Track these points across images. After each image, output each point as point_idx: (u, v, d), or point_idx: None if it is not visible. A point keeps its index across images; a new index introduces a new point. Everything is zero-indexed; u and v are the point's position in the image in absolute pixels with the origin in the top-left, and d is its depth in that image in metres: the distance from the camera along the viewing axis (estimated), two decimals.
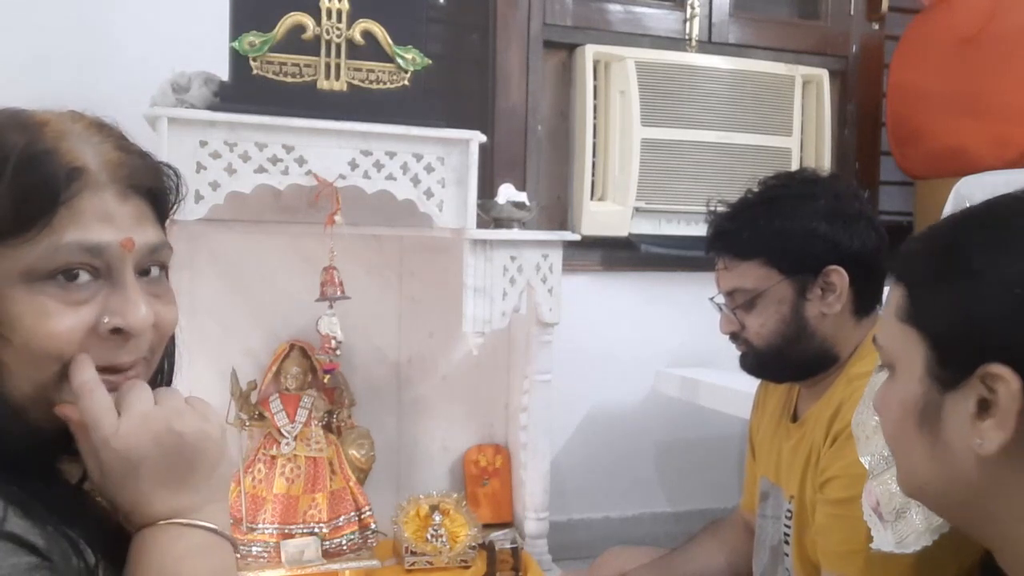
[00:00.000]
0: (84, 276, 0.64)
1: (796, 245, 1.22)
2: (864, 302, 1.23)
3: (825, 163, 2.41)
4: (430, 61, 1.68)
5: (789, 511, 1.26)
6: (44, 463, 0.65)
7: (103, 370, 0.65)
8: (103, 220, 0.65)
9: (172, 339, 0.76)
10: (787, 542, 1.26)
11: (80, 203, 0.64)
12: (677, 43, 2.41)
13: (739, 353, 1.32)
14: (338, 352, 1.69)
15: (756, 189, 1.29)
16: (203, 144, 1.54)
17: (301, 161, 1.60)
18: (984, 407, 0.64)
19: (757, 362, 1.29)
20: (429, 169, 1.68)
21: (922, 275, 0.71)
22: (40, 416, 0.65)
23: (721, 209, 1.31)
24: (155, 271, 0.70)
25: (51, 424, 0.65)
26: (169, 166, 0.74)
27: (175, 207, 0.75)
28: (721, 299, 1.32)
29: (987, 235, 0.68)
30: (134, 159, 0.69)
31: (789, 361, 1.26)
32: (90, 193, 0.64)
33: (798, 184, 1.28)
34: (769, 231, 1.23)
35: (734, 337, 1.31)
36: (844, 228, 1.21)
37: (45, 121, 0.66)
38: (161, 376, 0.76)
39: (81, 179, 0.64)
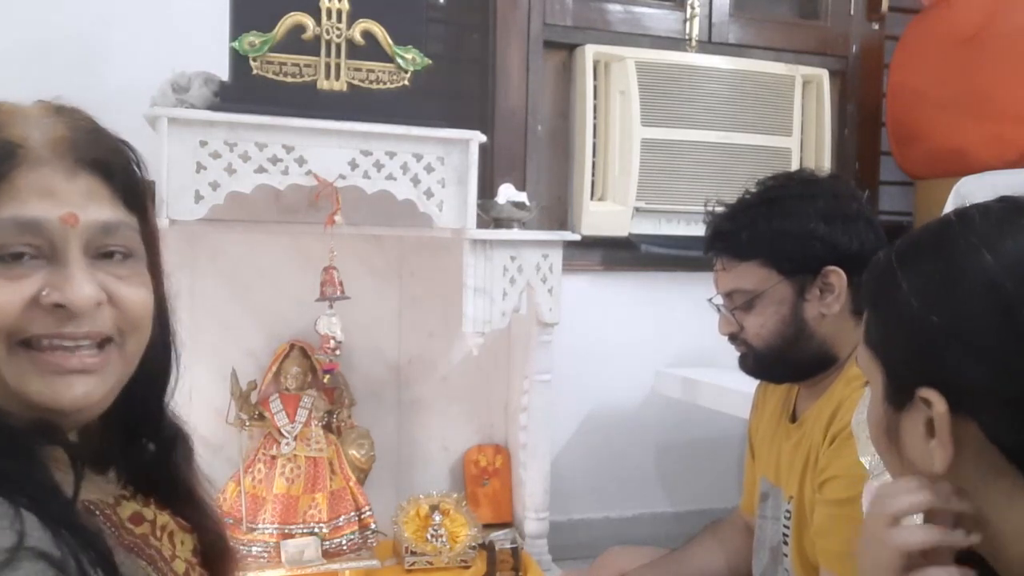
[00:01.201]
0: (27, 257, 0.63)
1: (795, 246, 1.22)
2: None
3: (825, 163, 2.41)
4: (430, 61, 1.68)
5: (788, 511, 1.26)
6: (41, 476, 0.63)
7: (50, 339, 0.63)
8: (43, 196, 0.63)
9: (168, 332, 0.75)
10: (786, 542, 1.26)
11: (18, 179, 0.62)
12: (677, 43, 2.41)
13: (738, 354, 1.32)
14: (338, 352, 1.69)
15: (754, 190, 1.29)
16: (203, 144, 1.54)
17: (301, 161, 1.60)
18: (931, 428, 0.66)
19: (756, 363, 1.29)
20: (429, 169, 1.68)
21: (869, 300, 0.74)
22: (4, 401, 0.63)
23: (719, 210, 1.31)
24: (119, 256, 0.67)
25: (18, 409, 0.63)
26: (123, 141, 0.71)
27: (144, 188, 0.72)
28: (719, 300, 1.32)
29: (909, 263, 0.69)
30: (80, 134, 0.67)
31: (788, 362, 1.26)
32: (29, 169, 0.63)
33: (796, 185, 1.28)
34: (768, 232, 1.23)
35: (733, 338, 1.30)
36: (843, 228, 1.21)
37: None
38: (161, 372, 0.75)
39: (17, 155, 0.63)
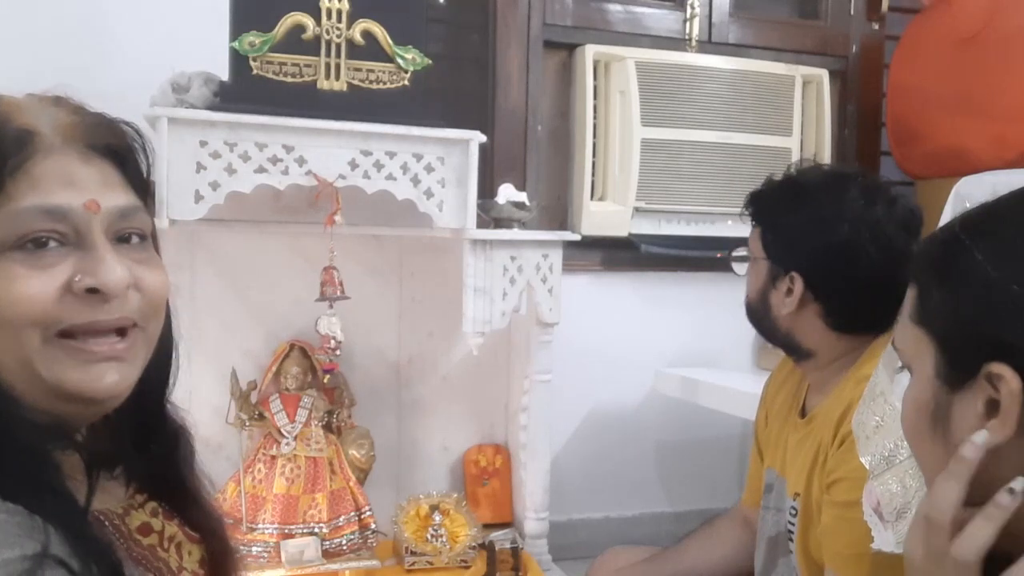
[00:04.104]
0: (53, 244, 0.63)
1: (779, 237, 1.27)
2: (844, 320, 1.24)
3: (825, 164, 2.41)
4: (430, 61, 1.68)
5: (793, 508, 1.26)
6: (57, 484, 0.62)
7: (85, 331, 0.64)
8: (64, 184, 0.63)
9: (170, 324, 0.75)
10: (791, 539, 1.26)
11: (36, 168, 0.63)
12: (677, 43, 2.41)
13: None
14: (338, 352, 1.69)
15: (811, 173, 1.32)
16: (203, 144, 1.54)
17: (301, 161, 1.60)
18: (992, 407, 0.64)
19: (747, 316, 1.37)
20: (429, 169, 1.68)
21: (928, 275, 0.71)
22: (30, 394, 0.63)
23: (777, 177, 1.34)
24: (135, 239, 0.68)
25: (44, 402, 0.64)
26: (129, 124, 0.72)
27: (149, 171, 0.73)
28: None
29: (985, 234, 0.68)
30: (87, 119, 0.68)
31: (762, 329, 1.34)
32: (44, 156, 0.63)
33: (827, 188, 1.26)
34: (771, 212, 1.29)
35: None
36: (825, 249, 1.21)
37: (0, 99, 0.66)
38: (164, 365, 0.75)
39: (32, 142, 0.63)
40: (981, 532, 0.63)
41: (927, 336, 0.69)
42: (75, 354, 0.64)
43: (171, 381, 0.77)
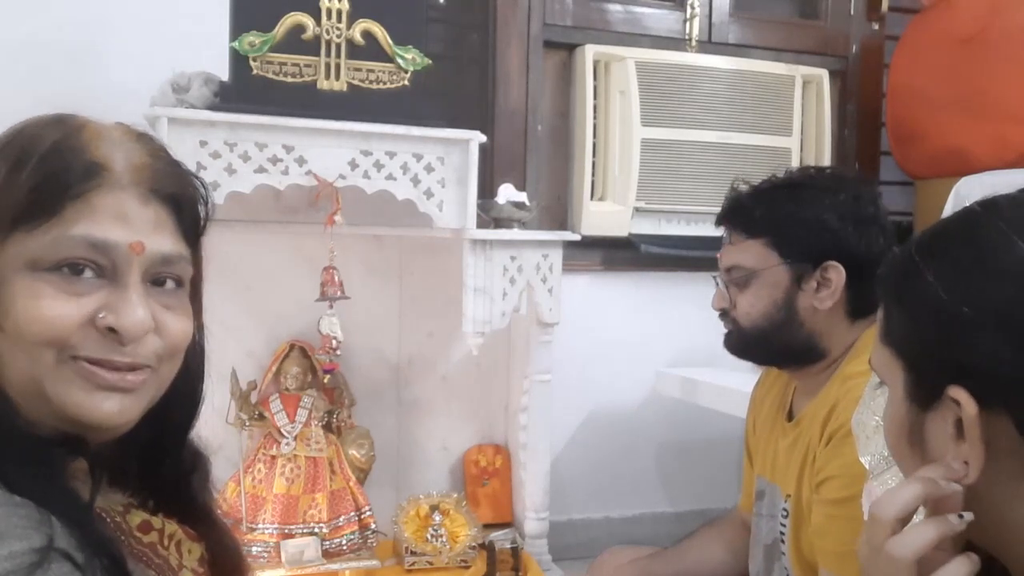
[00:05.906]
0: (89, 273, 0.64)
1: (802, 233, 1.22)
2: (859, 305, 1.23)
3: (825, 163, 2.41)
4: (430, 61, 1.68)
5: (785, 510, 1.26)
6: (61, 482, 0.63)
7: (94, 362, 0.64)
8: (117, 219, 0.64)
9: (200, 364, 0.75)
10: (783, 541, 1.26)
11: (96, 199, 0.64)
12: (677, 43, 2.41)
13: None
14: (338, 352, 1.69)
15: (794, 174, 1.30)
16: (203, 144, 1.54)
17: (301, 161, 1.60)
18: (960, 428, 0.63)
19: (739, 341, 1.29)
20: (429, 169, 1.68)
21: (888, 296, 0.71)
22: (36, 411, 0.64)
23: (743, 186, 1.31)
24: (171, 284, 0.69)
25: (49, 419, 0.64)
26: (198, 178, 0.73)
27: (205, 224, 0.74)
28: (722, 275, 1.32)
29: (935, 255, 0.67)
30: (160, 164, 0.69)
31: (772, 346, 1.26)
32: (108, 191, 0.64)
33: (823, 178, 1.29)
34: (780, 214, 1.24)
35: (723, 315, 1.31)
36: (854, 228, 1.21)
37: (85, 124, 0.67)
38: (187, 401, 0.75)
39: (100, 175, 0.64)
40: (921, 536, 0.63)
41: (894, 357, 0.69)
42: (83, 377, 0.64)
43: (195, 420, 0.77)
